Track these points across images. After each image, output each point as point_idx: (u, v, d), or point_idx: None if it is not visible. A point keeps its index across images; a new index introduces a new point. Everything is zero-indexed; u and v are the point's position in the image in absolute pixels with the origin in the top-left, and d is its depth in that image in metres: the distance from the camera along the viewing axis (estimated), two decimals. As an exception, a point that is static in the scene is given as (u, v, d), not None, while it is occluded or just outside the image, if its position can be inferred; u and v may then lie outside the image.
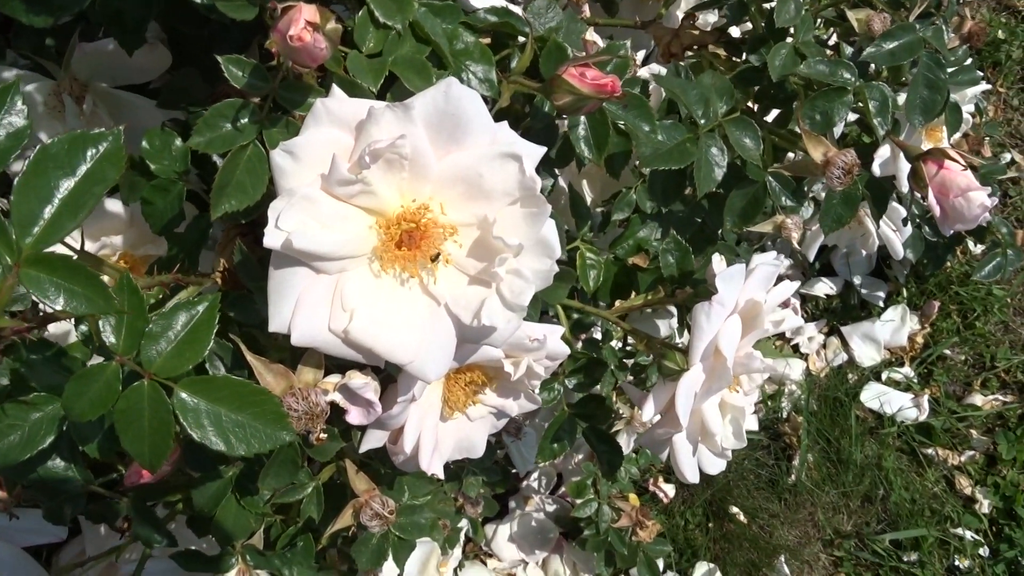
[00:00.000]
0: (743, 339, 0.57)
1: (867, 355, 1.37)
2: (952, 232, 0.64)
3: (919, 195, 0.65)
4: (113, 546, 0.69)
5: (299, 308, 0.42)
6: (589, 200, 0.74)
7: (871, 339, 1.37)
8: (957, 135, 1.09)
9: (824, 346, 1.40)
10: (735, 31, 0.73)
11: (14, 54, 0.79)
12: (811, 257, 1.19)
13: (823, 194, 1.11)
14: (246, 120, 0.42)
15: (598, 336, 0.90)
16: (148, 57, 0.68)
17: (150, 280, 0.47)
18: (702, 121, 0.59)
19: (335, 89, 0.41)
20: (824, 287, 1.37)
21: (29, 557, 0.73)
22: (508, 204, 0.43)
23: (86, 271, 0.31)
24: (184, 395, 0.38)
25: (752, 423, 0.60)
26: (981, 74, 1.17)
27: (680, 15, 0.77)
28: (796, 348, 1.39)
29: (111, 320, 0.37)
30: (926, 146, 1.01)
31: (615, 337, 0.93)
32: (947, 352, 1.39)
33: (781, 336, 1.42)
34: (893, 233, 1.11)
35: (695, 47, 0.72)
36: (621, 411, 1.19)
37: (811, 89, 0.63)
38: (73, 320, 0.53)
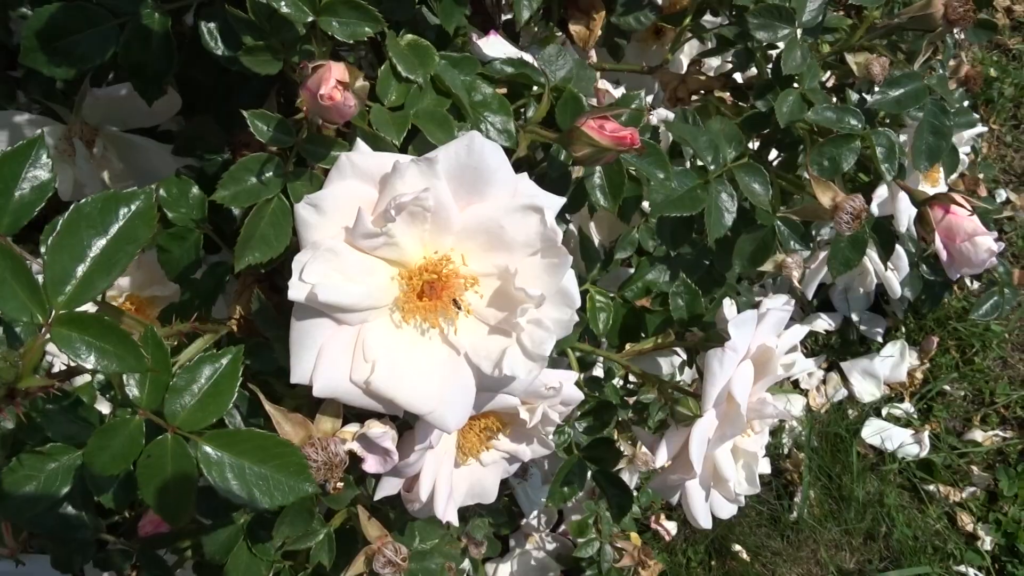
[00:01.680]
0: (755, 385, 0.58)
1: (867, 391, 1.38)
2: (958, 275, 0.65)
3: (925, 239, 0.66)
4: (119, 593, 0.68)
5: (321, 359, 0.42)
6: (597, 241, 0.75)
7: (871, 375, 1.38)
8: (954, 175, 1.10)
9: (824, 382, 1.40)
10: (740, 76, 0.74)
11: (25, 98, 0.79)
12: (810, 295, 1.20)
13: (827, 236, 1.12)
14: (271, 174, 0.43)
15: (598, 373, 0.90)
16: (160, 102, 0.69)
17: (168, 329, 0.47)
18: (712, 167, 0.59)
19: (359, 143, 0.41)
20: (823, 323, 1.38)
21: (32, 604, 0.72)
22: (529, 255, 0.43)
23: (118, 330, 0.31)
24: (208, 448, 0.38)
25: (764, 467, 0.61)
26: (977, 116, 1.19)
27: (686, 61, 0.78)
28: (796, 384, 1.40)
29: (135, 375, 0.37)
30: (923, 187, 1.02)
31: (617, 374, 0.93)
32: (946, 388, 1.40)
33: (781, 372, 1.41)
34: (891, 272, 1.12)
35: (701, 92, 0.73)
36: (622, 448, 1.18)
37: (817, 135, 0.64)
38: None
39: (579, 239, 0.67)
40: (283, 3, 0.40)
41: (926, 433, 1.33)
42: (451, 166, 0.41)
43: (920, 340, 1.40)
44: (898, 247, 1.13)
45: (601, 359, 0.79)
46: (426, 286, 0.43)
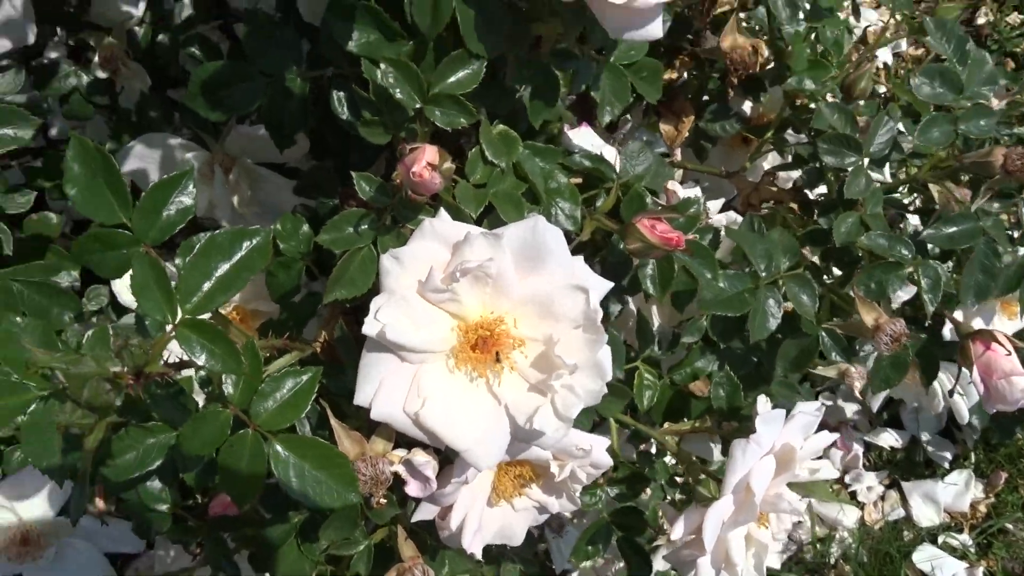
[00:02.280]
0: (775, 479, 0.62)
1: (926, 515, 1.36)
2: (995, 411, 0.68)
3: (965, 370, 0.69)
4: (183, 567, 0.77)
5: (381, 388, 0.49)
6: (656, 324, 0.80)
7: (932, 499, 1.36)
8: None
9: (883, 498, 1.39)
10: (811, 192, 0.79)
11: (180, 122, 0.92)
12: (875, 408, 1.21)
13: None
14: (366, 227, 0.51)
15: (653, 450, 0.95)
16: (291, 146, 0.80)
17: (264, 342, 0.56)
18: (763, 274, 0.65)
19: (442, 211, 0.49)
20: (890, 438, 1.37)
21: (107, 561, 0.81)
22: (572, 328, 0.50)
23: (226, 338, 0.39)
24: (279, 447, 0.45)
25: (774, 561, 0.64)
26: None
27: (763, 168, 0.84)
28: (854, 495, 1.39)
29: (233, 376, 0.45)
30: (1000, 318, 1.03)
31: (670, 453, 0.97)
32: (1009, 526, 1.37)
33: (840, 480, 1.42)
34: (959, 397, 1.12)
35: (772, 201, 0.79)
36: (666, 527, 1.21)
37: (873, 257, 0.68)
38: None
39: (637, 319, 0.73)
40: (397, 90, 0.49)
41: (981, 569, 1.30)
42: (516, 243, 0.49)
43: (988, 473, 1.38)
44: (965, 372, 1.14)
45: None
46: (479, 340, 0.50)
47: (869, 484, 1.38)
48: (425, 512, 0.59)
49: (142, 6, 0.87)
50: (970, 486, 1.36)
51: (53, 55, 0.88)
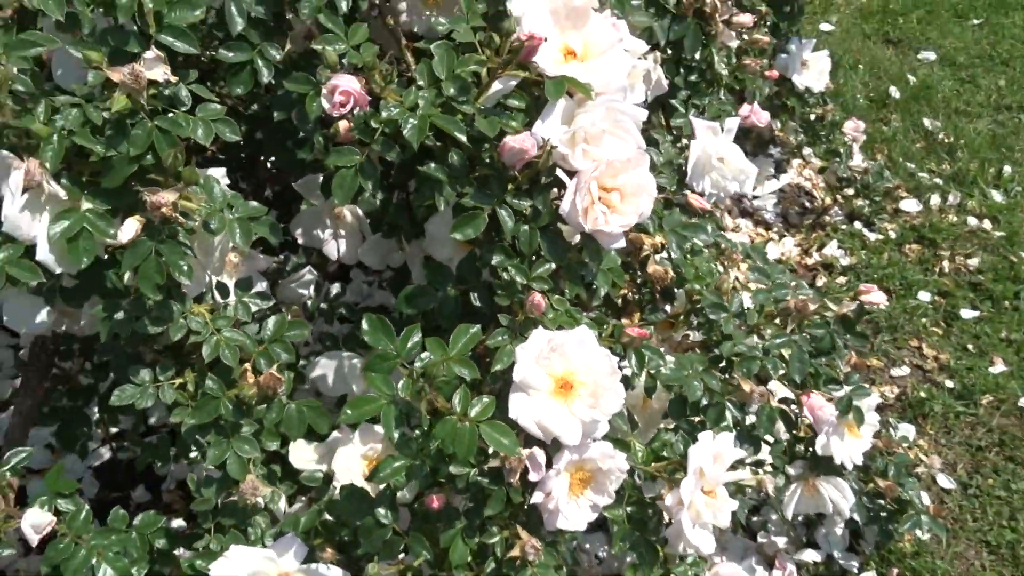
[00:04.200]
0: (714, 465, 1.17)
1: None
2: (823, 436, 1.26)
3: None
4: None
5: (520, 407, 1.05)
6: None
7: (852, 602, 1.83)
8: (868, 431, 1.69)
9: (817, 607, 1.84)
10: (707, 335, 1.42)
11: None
12: (788, 514, 1.72)
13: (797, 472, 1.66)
14: (507, 336, 1.10)
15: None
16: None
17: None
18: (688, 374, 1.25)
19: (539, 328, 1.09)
20: (811, 556, 1.87)
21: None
22: (605, 377, 1.08)
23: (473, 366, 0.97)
24: (484, 427, 1.00)
25: (725, 520, 1.16)
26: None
27: (683, 335, 1.47)
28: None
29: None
30: (849, 438, 1.61)
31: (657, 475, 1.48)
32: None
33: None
34: (840, 497, 1.67)
35: (687, 349, 1.41)
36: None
37: (741, 358, 1.29)
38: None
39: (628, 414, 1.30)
40: (515, 275, 1.11)
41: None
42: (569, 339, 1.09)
43: (885, 572, 1.87)
44: (841, 482, 1.69)
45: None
46: (564, 385, 1.07)
47: (807, 598, 1.84)
48: (536, 496, 1.11)
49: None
50: (876, 587, 1.84)
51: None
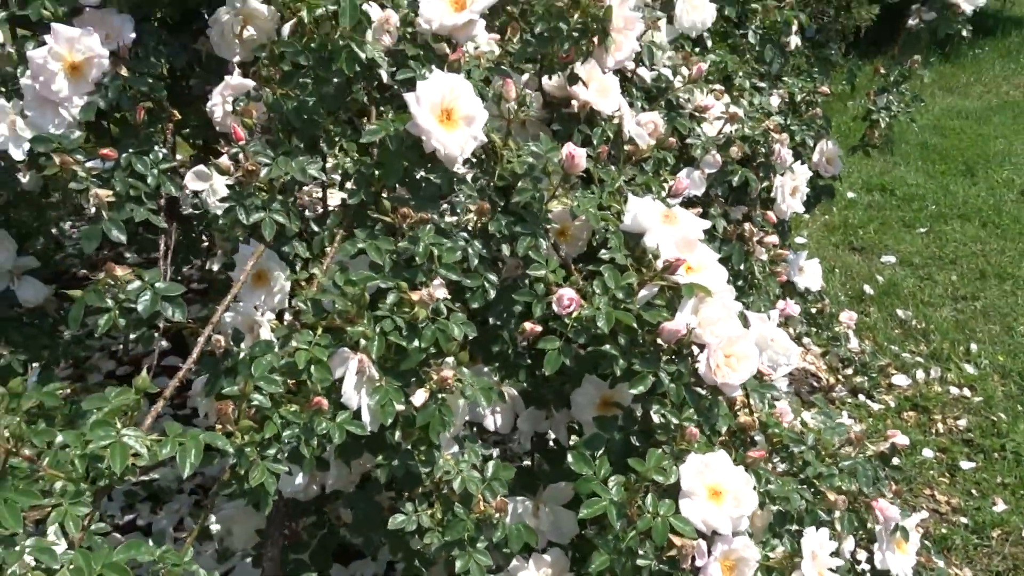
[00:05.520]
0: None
1: None
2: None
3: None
4: None
5: (689, 508, 1.50)
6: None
7: None
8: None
9: None
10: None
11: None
12: None
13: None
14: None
15: None
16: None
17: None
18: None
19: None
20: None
21: None
22: (743, 485, 1.53)
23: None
24: (672, 520, 1.44)
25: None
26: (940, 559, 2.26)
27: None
28: None
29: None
30: (900, 553, 2.04)
31: None
32: None
33: None
34: None
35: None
36: None
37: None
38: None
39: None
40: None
41: None
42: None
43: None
44: None
45: None
46: (715, 492, 1.52)
47: None
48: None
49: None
50: None
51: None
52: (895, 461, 1.98)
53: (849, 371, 3.35)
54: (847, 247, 4.51)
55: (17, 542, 0.99)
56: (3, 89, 1.83)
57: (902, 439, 2.00)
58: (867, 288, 4.02)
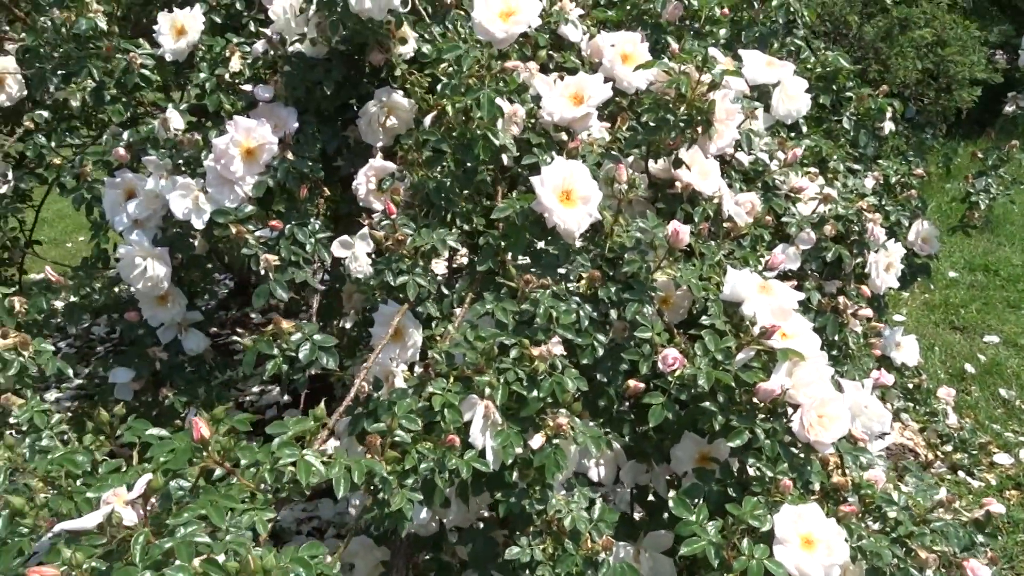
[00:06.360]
0: None
1: None
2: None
3: None
4: None
5: (783, 554, 1.62)
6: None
7: None
8: None
9: None
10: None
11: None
12: None
13: None
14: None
15: None
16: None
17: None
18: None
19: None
20: None
21: None
22: (835, 536, 1.65)
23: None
24: (766, 563, 1.57)
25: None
26: None
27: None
28: None
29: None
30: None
31: None
32: None
33: None
34: None
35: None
36: None
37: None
38: None
39: None
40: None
41: None
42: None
43: None
44: None
45: None
46: (808, 541, 1.64)
47: None
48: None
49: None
50: None
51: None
52: (990, 531, 2.04)
53: (948, 447, 3.35)
54: (947, 326, 4.50)
55: (220, 537, 1.21)
56: (185, 169, 2.17)
57: (998, 507, 2.05)
58: (968, 367, 4.01)
